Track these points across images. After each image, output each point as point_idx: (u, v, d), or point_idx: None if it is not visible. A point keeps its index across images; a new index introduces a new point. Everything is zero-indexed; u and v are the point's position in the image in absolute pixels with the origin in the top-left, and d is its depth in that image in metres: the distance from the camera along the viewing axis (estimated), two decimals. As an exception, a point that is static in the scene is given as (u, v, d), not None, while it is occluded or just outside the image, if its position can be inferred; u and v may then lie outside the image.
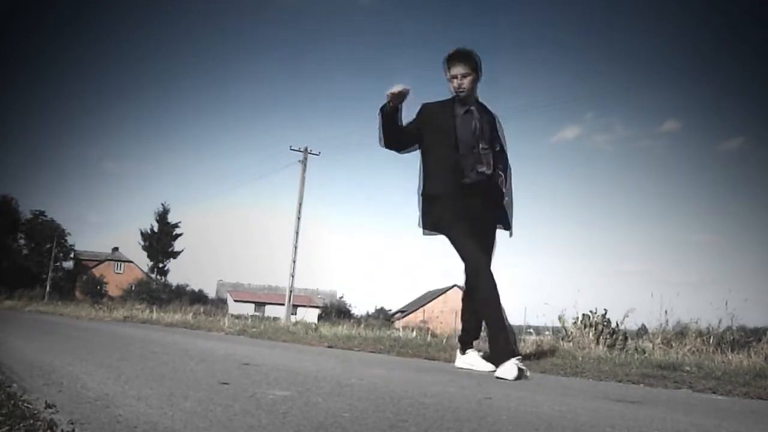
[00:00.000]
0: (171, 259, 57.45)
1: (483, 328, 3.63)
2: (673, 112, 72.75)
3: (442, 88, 3.51)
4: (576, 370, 3.55)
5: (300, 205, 29.05)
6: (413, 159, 3.55)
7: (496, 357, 3.16)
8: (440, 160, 3.41)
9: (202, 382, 2.29)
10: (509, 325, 3.19)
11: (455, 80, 3.39)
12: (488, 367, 3.37)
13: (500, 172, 3.52)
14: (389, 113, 3.29)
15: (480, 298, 3.25)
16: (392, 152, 3.51)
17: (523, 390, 2.63)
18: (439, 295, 58.42)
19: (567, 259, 73.99)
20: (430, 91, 3.62)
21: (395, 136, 3.41)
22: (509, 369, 2.99)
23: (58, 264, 54.66)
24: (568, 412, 1.99)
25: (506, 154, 3.60)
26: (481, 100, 3.55)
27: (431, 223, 3.43)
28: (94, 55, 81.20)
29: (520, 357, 3.12)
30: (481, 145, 3.43)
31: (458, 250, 3.27)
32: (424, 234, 3.48)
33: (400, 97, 3.23)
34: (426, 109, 3.49)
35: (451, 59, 3.41)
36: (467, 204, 3.35)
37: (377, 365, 3.58)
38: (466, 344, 3.69)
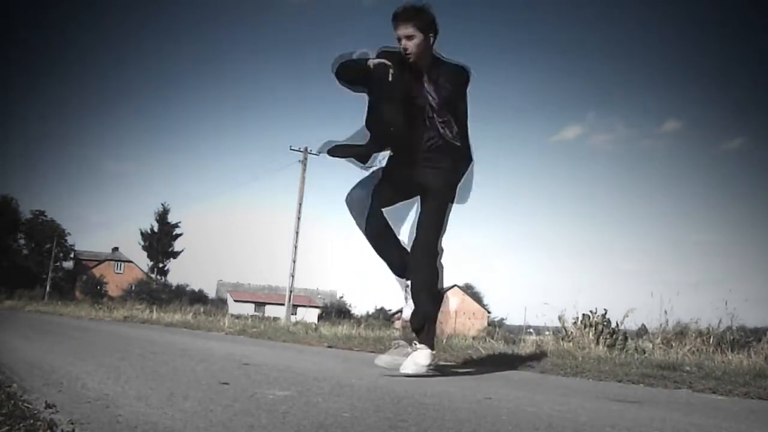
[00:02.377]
0: (171, 259, 57.54)
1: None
2: (673, 112, 72.98)
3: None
4: (576, 370, 3.55)
5: (300, 205, 29.06)
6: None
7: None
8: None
9: (202, 382, 2.29)
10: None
11: (400, 43, 3.01)
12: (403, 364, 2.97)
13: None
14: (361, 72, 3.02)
15: None
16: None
17: (523, 390, 2.63)
18: (439, 295, 58.34)
19: (567, 259, 74.13)
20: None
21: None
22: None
23: (58, 264, 54.71)
24: (568, 412, 1.99)
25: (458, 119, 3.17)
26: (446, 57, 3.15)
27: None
28: (95, 56, 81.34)
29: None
30: (434, 116, 3.08)
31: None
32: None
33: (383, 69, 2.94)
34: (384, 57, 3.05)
35: (395, 19, 3.02)
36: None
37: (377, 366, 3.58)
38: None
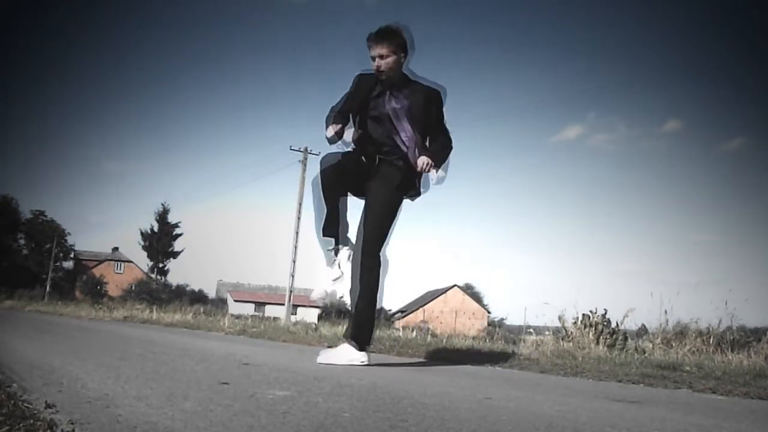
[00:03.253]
0: (171, 259, 57.51)
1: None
2: (674, 112, 72.99)
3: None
4: (576, 370, 3.55)
5: (300, 205, 29.05)
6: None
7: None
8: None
9: (202, 382, 2.29)
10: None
11: (374, 62, 3.28)
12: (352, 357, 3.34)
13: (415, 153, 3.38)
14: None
15: None
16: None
17: (523, 390, 2.63)
18: (439, 295, 58.43)
19: (567, 259, 74.16)
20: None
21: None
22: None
23: (58, 264, 54.69)
24: (568, 412, 1.99)
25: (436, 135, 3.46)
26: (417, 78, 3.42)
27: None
28: (95, 56, 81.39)
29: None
30: (392, 124, 3.36)
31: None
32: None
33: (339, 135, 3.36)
34: (361, 81, 3.43)
35: (370, 39, 3.29)
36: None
37: (377, 365, 3.58)
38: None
